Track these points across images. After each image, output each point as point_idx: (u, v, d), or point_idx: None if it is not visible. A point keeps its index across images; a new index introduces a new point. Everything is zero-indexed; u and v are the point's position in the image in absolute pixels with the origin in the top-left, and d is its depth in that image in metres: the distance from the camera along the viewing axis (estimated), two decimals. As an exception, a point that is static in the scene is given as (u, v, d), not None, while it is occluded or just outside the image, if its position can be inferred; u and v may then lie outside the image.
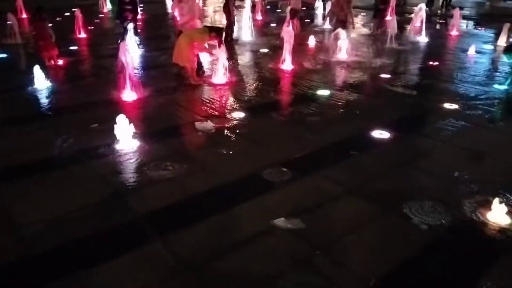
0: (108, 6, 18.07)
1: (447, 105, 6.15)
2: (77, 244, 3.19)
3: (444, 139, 5.10)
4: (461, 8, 15.81)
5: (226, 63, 7.55)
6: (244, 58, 9.87)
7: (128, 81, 6.46)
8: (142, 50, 10.27)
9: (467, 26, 13.33)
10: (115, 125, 4.79)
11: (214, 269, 2.92)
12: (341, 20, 10.19)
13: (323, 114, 5.99)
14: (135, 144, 4.85)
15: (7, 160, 4.57)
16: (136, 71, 7.07)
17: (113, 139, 4.83)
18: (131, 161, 4.53)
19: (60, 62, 8.83)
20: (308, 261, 3.01)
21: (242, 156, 4.65)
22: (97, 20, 15.64)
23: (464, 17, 13.76)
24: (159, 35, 12.61)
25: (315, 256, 3.04)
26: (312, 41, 10.89)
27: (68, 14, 15.58)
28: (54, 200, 3.78)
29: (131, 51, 7.47)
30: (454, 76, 7.93)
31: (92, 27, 13.56)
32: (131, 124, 4.88)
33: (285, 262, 2.99)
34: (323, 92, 6.89)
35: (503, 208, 3.41)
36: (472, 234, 3.31)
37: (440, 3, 17.73)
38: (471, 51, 9.67)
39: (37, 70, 7.13)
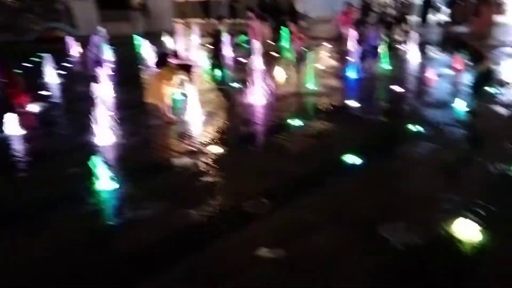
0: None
1: (413, 128, 6.46)
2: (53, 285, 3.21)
3: (413, 161, 5.35)
4: (420, 35, 16.68)
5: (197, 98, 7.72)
6: (214, 93, 10.03)
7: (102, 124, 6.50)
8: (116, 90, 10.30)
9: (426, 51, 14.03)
10: (91, 168, 4.81)
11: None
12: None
13: (297, 143, 6.17)
14: (112, 185, 4.86)
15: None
16: (111, 112, 7.12)
17: (90, 182, 4.83)
18: (110, 203, 4.54)
19: (32, 107, 8.74)
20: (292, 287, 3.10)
21: (222, 190, 4.73)
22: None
23: (423, 43, 14.51)
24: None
25: (298, 283, 3.12)
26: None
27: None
28: (30, 244, 3.78)
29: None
30: (417, 100, 8.34)
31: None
32: (108, 166, 4.91)
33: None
34: (295, 122, 7.10)
35: (472, 224, 3.60)
36: (445, 251, 3.47)
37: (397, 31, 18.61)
38: (431, 75, 10.21)
39: (7, 117, 7.06)
